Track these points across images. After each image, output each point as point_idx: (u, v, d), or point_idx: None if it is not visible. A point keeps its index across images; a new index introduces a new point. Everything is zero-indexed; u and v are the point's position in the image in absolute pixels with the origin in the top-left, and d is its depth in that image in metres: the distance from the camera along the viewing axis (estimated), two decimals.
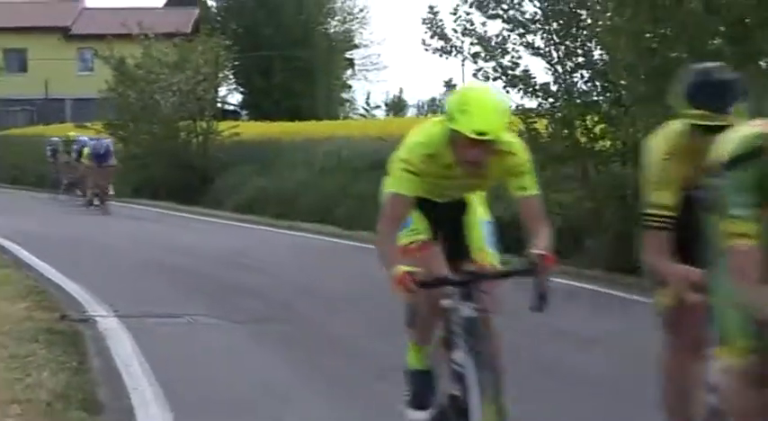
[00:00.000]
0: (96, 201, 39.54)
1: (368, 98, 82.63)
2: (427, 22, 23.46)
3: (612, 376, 11.70)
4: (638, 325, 13.23)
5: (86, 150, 39.91)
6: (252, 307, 17.67)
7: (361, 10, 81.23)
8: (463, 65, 29.29)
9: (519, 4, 22.53)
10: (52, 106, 73.46)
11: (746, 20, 17.73)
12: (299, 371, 12.59)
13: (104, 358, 13.16)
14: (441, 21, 23.68)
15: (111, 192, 39.93)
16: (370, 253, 9.15)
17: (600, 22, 21.48)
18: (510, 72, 22.40)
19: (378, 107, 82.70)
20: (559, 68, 22.33)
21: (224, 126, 45.55)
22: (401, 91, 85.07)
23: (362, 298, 16.56)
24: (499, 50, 22.64)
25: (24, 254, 24.25)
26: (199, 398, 11.10)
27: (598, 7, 21.52)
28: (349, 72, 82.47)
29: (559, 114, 21.92)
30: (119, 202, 40.83)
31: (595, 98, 22.31)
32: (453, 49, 23.62)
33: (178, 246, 26.88)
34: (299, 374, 12.39)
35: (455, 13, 22.98)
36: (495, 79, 22.51)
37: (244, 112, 51.94)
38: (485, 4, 22.59)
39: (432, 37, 23.73)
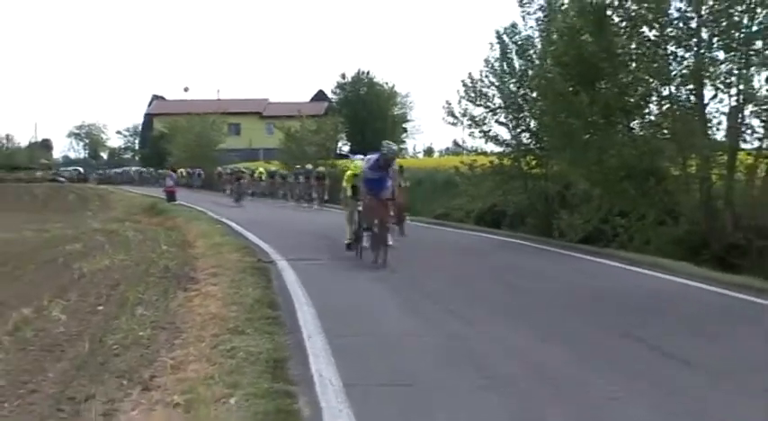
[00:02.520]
0: (304, 204, 54.65)
1: (414, 147, 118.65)
2: (444, 108, 33.75)
3: (546, 289, 16.48)
4: (553, 262, 21.08)
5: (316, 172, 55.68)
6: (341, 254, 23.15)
7: (407, 95, 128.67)
8: (463, 130, 34.71)
9: (491, 98, 32.20)
10: (253, 154, 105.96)
11: (610, 103, 23.81)
12: (385, 291, 16.88)
13: (279, 281, 18.08)
14: (451, 106, 33.39)
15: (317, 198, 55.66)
16: None
17: (534, 108, 30.17)
18: (487, 134, 32.35)
19: (419, 152, 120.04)
20: (513, 132, 31.73)
21: (339, 163, 60.92)
22: (431, 143, 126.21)
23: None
24: (482, 123, 32.48)
25: (239, 229, 31.90)
26: (328, 301, 15.28)
27: (534, 94, 29.81)
28: (404, 135, 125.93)
29: (513, 155, 31.09)
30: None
31: (531, 147, 31.05)
32: (458, 122, 33.50)
33: (318, 224, 34.62)
34: (385, 292, 16.74)
35: (459, 103, 33.21)
36: (479, 138, 33.03)
37: (351, 155, 65.96)
38: (473, 98, 32.33)
39: (447, 115, 33.77)
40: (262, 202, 57.85)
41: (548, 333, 12.53)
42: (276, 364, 10.36)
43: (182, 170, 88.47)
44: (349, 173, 23.62)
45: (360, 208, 21.88)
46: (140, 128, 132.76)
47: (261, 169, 68.14)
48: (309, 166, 57.04)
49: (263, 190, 65.89)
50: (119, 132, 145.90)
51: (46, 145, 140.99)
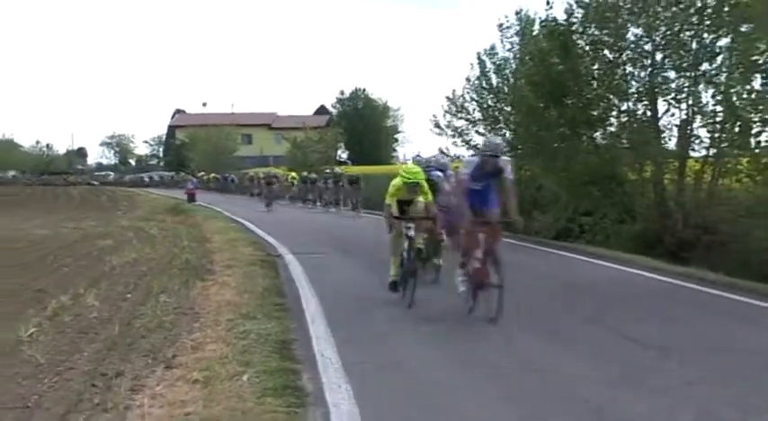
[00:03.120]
0: (332, 209, 47.62)
1: (404, 155, 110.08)
2: (431, 120, 35.42)
3: (523, 277, 15.06)
4: (529, 256, 20.44)
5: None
6: (347, 248, 24.12)
7: (398, 109, 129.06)
8: (447, 139, 35.47)
9: (471, 112, 32.96)
10: (264, 160, 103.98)
11: (576, 116, 24.28)
12: (372, 276, 16.88)
13: (286, 272, 18.54)
14: (437, 119, 34.87)
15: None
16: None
17: (509, 120, 30.32)
18: (468, 143, 33.24)
19: (409, 159, 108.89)
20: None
21: (339, 168, 58.03)
22: (419, 151, 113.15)
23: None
24: (464, 134, 33.52)
25: (252, 227, 31.76)
26: (327, 287, 15.90)
27: (508, 108, 30.14)
28: (396, 144, 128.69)
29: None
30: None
31: (510, 155, 28.60)
32: (443, 132, 34.77)
33: (324, 224, 34.56)
34: (371, 278, 16.77)
35: (444, 116, 34.51)
36: (462, 146, 33.91)
37: (349, 161, 66.37)
38: (456, 112, 32.92)
39: (434, 126, 35.28)
40: (292, 207, 51.48)
41: (520, 311, 12.54)
42: (283, 345, 10.43)
43: (213, 175, 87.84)
44: (396, 182, 14.81)
45: (410, 232, 14.53)
46: (164, 138, 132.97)
47: (293, 174, 60.07)
48: (339, 170, 49.60)
49: (295, 194, 57.07)
50: (145, 141, 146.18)
51: (81, 153, 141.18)
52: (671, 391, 8.39)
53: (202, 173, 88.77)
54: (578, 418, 7.65)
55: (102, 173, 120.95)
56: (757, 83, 16.07)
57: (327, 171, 53.80)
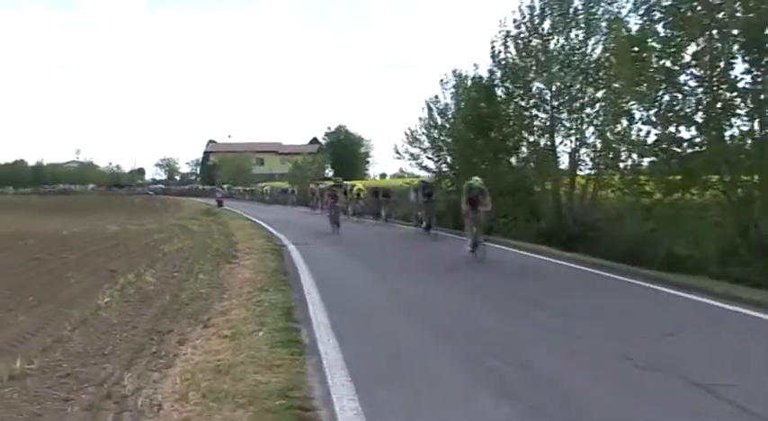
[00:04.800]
0: (318, 211, 41.57)
1: (372, 173, 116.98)
2: (393, 149, 35.06)
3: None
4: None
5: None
6: (333, 240, 23.78)
7: (370, 140, 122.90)
8: (405, 162, 35.17)
9: (422, 142, 32.31)
10: (271, 176, 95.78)
11: (497, 146, 24.40)
12: (359, 265, 16.92)
13: (289, 258, 18.18)
14: (397, 148, 34.19)
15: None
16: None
17: (450, 149, 29.57)
18: (421, 165, 32.70)
19: (376, 176, 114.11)
20: (436, 164, 31.05)
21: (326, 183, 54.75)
22: (384, 171, 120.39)
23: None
24: (417, 158, 32.90)
25: (264, 225, 30.92)
26: (320, 271, 15.44)
27: (449, 140, 29.67)
28: (367, 165, 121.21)
29: (437, 178, 29.30)
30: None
31: (448, 173, 29.63)
32: (401, 157, 34.18)
33: (316, 223, 30.90)
34: (359, 266, 16.80)
35: (402, 146, 33.86)
36: (416, 167, 33.42)
37: (340, 178, 65.89)
38: (411, 142, 32.86)
39: (395, 153, 34.49)
40: (365, 225, 31.91)
41: (451, 284, 12.63)
42: (288, 311, 10.39)
43: (266, 187, 74.55)
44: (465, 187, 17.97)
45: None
46: (200, 160, 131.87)
47: (359, 186, 38.16)
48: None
49: (359, 209, 35.55)
50: (187, 163, 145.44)
51: (141, 171, 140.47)
52: (565, 337, 8.40)
53: (227, 185, 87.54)
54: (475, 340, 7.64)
55: (156, 186, 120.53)
56: (623, 124, 16.24)
57: (322, 185, 46.15)
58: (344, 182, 44.84)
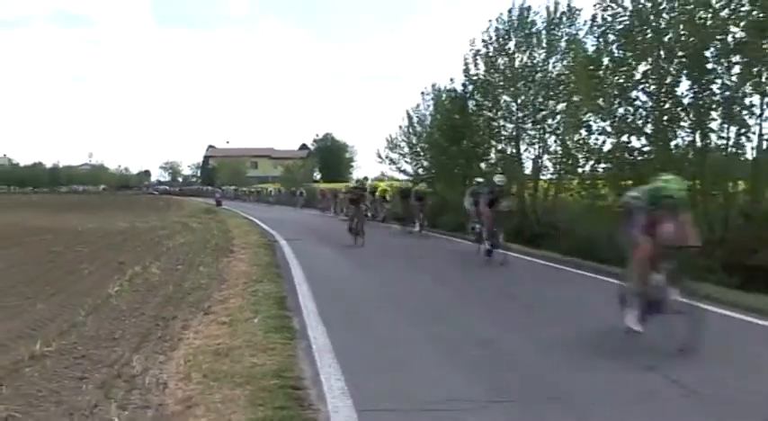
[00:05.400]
0: (329, 213, 38.64)
1: (356, 177, 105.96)
2: (376, 153, 35.64)
3: (430, 253, 11.95)
4: (436, 240, 18.69)
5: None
6: (318, 235, 23.18)
7: (353, 146, 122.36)
8: (385, 166, 36.35)
9: (402, 148, 32.32)
10: (265, 178, 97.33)
11: (469, 153, 24.54)
12: (347, 259, 16.41)
13: (281, 252, 17.86)
14: (379, 152, 34.10)
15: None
16: None
17: (427, 154, 29.80)
18: (400, 169, 33.62)
19: (360, 178, 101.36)
20: (414, 168, 32.34)
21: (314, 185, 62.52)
22: (367, 174, 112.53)
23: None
24: (397, 163, 33.04)
25: (259, 222, 30.65)
26: (308, 263, 15.21)
27: (426, 146, 29.82)
28: (351, 169, 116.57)
29: (415, 181, 30.29)
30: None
31: (425, 177, 30.40)
32: (383, 161, 35.14)
33: (305, 221, 32.33)
34: (346, 259, 16.43)
35: (384, 151, 33.80)
36: (395, 171, 34.84)
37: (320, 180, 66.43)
38: (391, 148, 32.93)
39: (377, 157, 35.55)
40: (393, 234, 24.53)
41: (418, 269, 12.58)
42: (280, 300, 10.34)
43: (271, 189, 68.87)
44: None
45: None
46: (201, 163, 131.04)
47: (383, 186, 30.88)
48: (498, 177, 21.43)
49: (383, 214, 29.45)
50: (189, 166, 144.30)
51: (147, 173, 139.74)
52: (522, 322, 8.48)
53: (225, 187, 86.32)
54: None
55: (160, 187, 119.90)
56: (582, 134, 16.37)
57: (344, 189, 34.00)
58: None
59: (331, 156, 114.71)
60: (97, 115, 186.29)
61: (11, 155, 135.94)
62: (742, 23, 12.76)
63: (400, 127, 32.60)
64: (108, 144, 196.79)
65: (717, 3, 12.98)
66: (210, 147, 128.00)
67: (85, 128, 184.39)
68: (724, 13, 12.92)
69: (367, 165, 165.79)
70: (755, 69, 12.60)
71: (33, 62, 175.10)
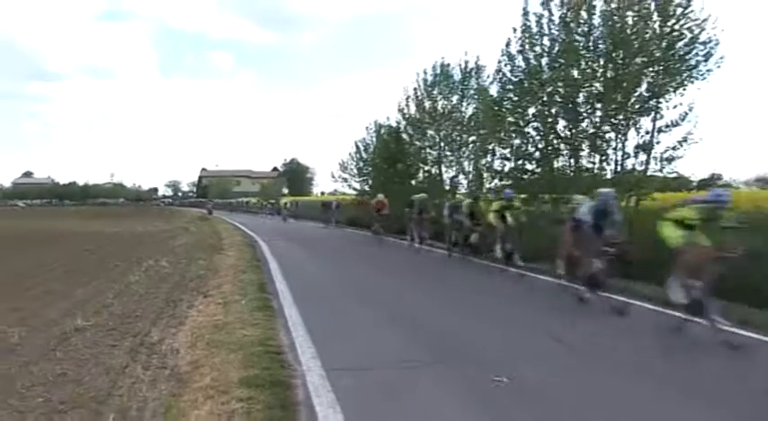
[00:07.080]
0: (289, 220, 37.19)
1: (318, 191, 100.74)
2: (331, 174, 32.50)
3: (389, 257, 12.28)
4: (387, 245, 18.75)
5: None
6: (297, 238, 22.45)
7: (314, 168, 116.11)
8: (338, 184, 33.75)
9: (352, 170, 30.54)
10: (245, 194, 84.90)
11: (403, 173, 24.45)
12: (317, 258, 15.66)
13: (260, 251, 17.17)
14: (334, 173, 31.84)
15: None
16: None
17: (371, 174, 28.74)
18: (351, 186, 30.77)
19: (317, 194, 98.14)
20: (361, 185, 29.16)
21: (285, 199, 54.13)
22: (323, 190, 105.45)
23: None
24: (348, 181, 31.09)
25: (244, 229, 29.07)
26: (286, 262, 14.39)
27: (370, 168, 28.51)
28: (311, 187, 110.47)
29: (362, 195, 28.35)
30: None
31: (369, 192, 27.08)
32: (337, 180, 31.63)
33: (288, 228, 29.40)
34: (316, 258, 15.61)
35: (337, 172, 31.36)
36: (347, 188, 31.31)
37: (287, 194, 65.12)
38: (343, 170, 30.91)
39: (332, 177, 33.04)
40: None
41: (389, 272, 12.50)
42: (262, 286, 10.28)
43: (287, 203, 47.88)
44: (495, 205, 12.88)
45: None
46: (197, 182, 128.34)
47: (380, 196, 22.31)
48: (420, 195, 18.81)
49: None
50: (187, 184, 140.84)
51: (155, 189, 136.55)
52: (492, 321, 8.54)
53: (216, 200, 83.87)
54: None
55: (166, 200, 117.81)
56: (488, 158, 16.60)
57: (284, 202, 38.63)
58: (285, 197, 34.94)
59: (296, 176, 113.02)
60: (118, 144, 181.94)
61: (53, 175, 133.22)
62: (601, 79, 13.12)
63: (350, 153, 32.24)
64: (126, 166, 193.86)
65: (584, 64, 13.30)
66: (203, 169, 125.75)
67: (109, 153, 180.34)
68: (588, 71, 13.26)
69: (324, 183, 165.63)
70: (612, 113, 12.95)
71: (70, 106, 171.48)
